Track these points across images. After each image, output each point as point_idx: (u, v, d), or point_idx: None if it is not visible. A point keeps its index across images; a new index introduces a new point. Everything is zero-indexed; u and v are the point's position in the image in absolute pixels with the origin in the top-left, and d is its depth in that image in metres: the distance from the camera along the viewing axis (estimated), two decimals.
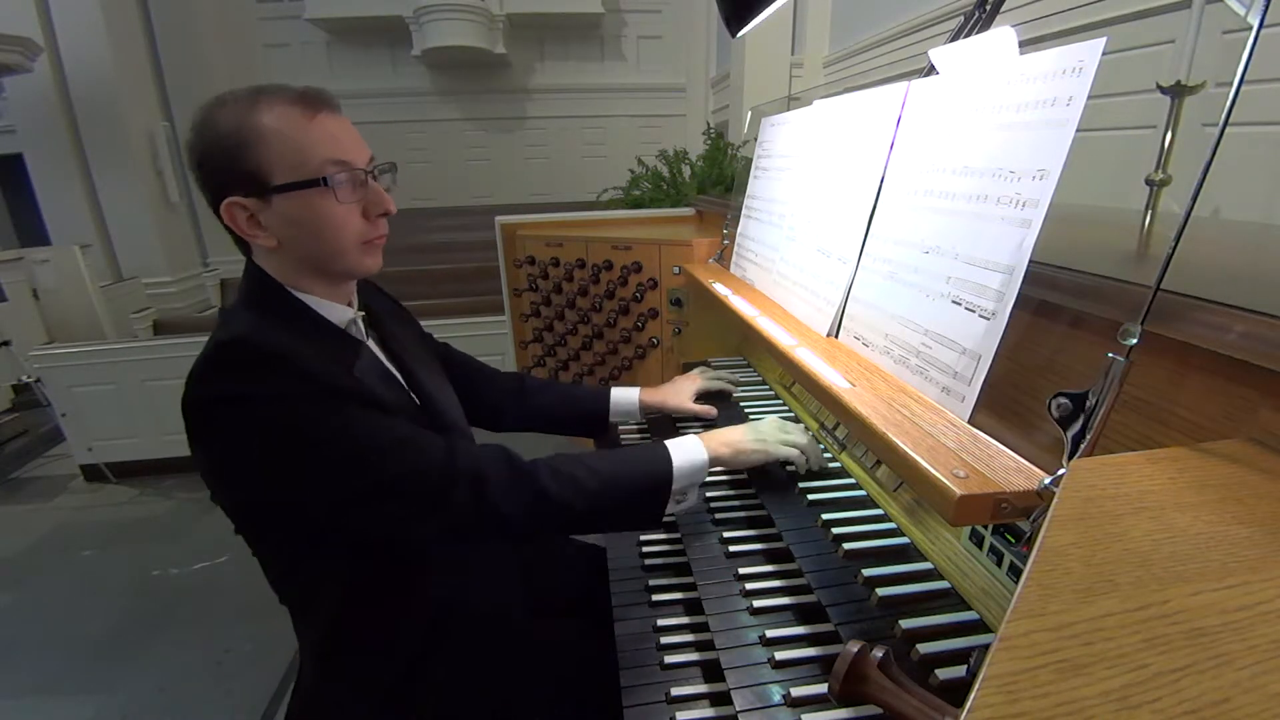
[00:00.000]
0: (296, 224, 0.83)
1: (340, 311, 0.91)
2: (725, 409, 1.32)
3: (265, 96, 0.81)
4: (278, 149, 0.80)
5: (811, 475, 1.03)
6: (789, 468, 1.04)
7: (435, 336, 1.25)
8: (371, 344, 0.96)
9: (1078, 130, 0.61)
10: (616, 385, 1.35)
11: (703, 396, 1.34)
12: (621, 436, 1.39)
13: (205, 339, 0.83)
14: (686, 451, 0.94)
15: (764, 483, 1.06)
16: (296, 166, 0.81)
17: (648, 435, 1.38)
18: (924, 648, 0.66)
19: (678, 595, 0.93)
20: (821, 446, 1.09)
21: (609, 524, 0.97)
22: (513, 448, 0.89)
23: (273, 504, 0.81)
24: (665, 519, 0.96)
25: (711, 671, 0.79)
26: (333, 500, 0.79)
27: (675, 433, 1.32)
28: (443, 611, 0.93)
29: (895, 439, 0.65)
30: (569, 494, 0.85)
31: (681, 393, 1.31)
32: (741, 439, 1.00)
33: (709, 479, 1.16)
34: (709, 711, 0.74)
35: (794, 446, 1.02)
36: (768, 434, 1.02)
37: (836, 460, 1.06)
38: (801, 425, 1.08)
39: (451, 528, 0.83)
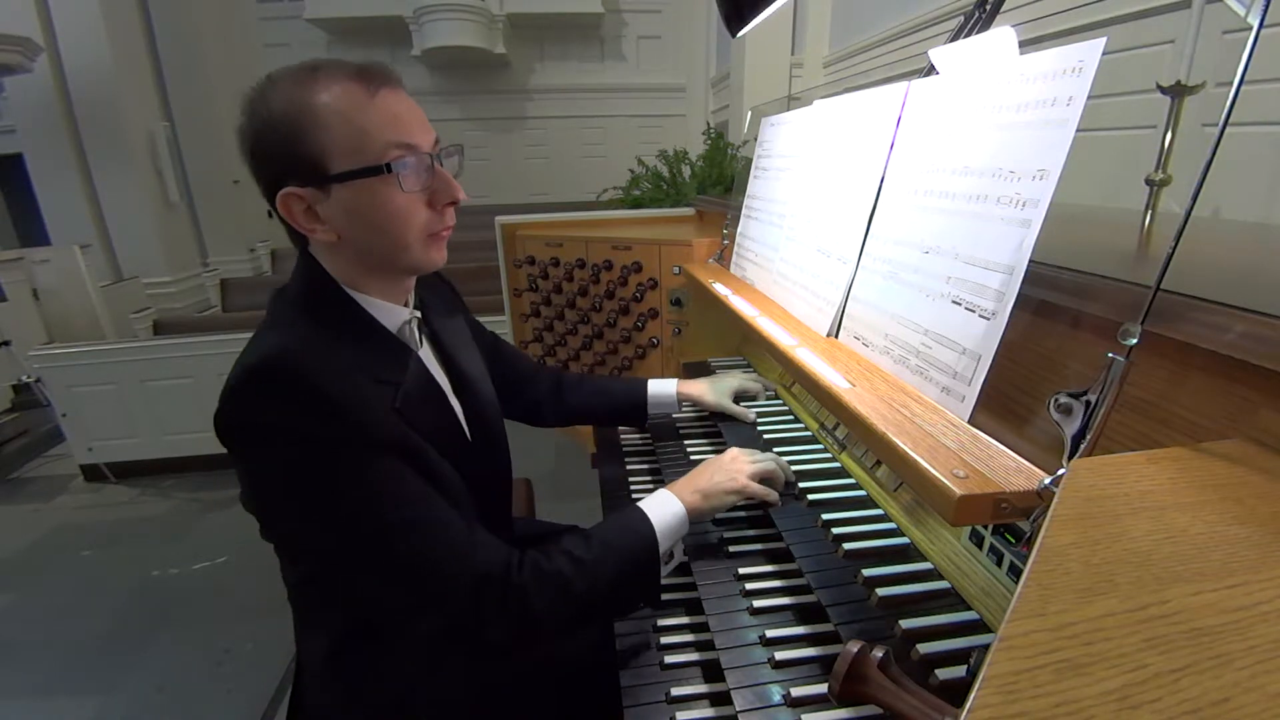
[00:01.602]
0: (357, 216, 0.76)
1: (395, 314, 0.86)
2: (733, 424, 1.26)
3: (322, 73, 0.74)
4: (336, 132, 0.72)
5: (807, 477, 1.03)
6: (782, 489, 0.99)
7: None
8: (424, 346, 0.92)
9: (1078, 130, 0.61)
10: None
11: (738, 395, 1.29)
12: (623, 445, 1.39)
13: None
14: (663, 511, 0.88)
15: (765, 482, 1.05)
16: (357, 151, 0.73)
17: (648, 441, 1.38)
18: (924, 648, 0.66)
19: (678, 595, 0.93)
20: (820, 446, 1.09)
21: (598, 619, 0.87)
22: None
23: (289, 538, 0.81)
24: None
25: (711, 671, 0.79)
26: (338, 561, 0.76)
27: (677, 438, 1.32)
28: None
29: (895, 439, 0.65)
30: (553, 604, 0.77)
31: (721, 390, 1.26)
32: (710, 481, 0.93)
33: None
34: (709, 711, 0.74)
35: (765, 478, 0.96)
36: (736, 468, 0.95)
37: (835, 458, 1.06)
38: (764, 453, 1.02)
39: (443, 631, 0.77)
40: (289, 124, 0.72)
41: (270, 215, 0.81)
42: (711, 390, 1.27)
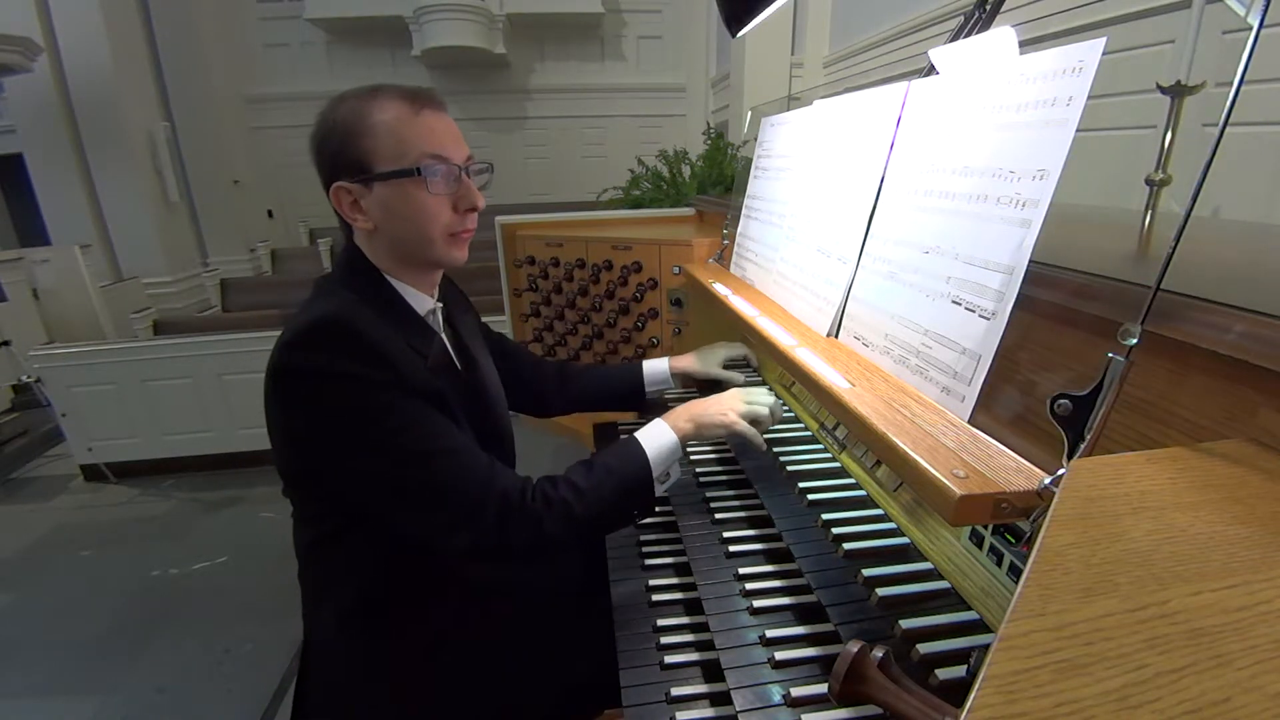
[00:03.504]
0: (391, 210, 0.89)
1: (423, 301, 0.97)
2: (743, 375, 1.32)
3: (380, 93, 0.88)
4: (382, 139, 0.86)
5: (783, 443, 1.03)
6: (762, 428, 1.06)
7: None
8: (444, 335, 1.01)
9: (1078, 130, 0.61)
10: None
11: (729, 362, 1.36)
12: (621, 433, 1.39)
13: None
14: (656, 438, 0.98)
15: (765, 483, 1.06)
16: (397, 156, 0.87)
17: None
18: (924, 648, 0.65)
19: (678, 595, 0.93)
20: (820, 446, 1.09)
21: (606, 532, 1.03)
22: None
23: (331, 476, 0.86)
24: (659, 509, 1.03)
25: (711, 671, 0.79)
26: (380, 487, 0.84)
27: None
28: (465, 598, 0.97)
29: (895, 439, 0.65)
30: (561, 527, 0.88)
31: (709, 360, 1.34)
32: (703, 412, 1.03)
33: (709, 479, 1.16)
34: (709, 711, 0.74)
35: (755, 419, 1.04)
36: (729, 405, 1.04)
37: (835, 458, 1.05)
38: (765, 388, 1.11)
39: (473, 547, 0.86)
40: (346, 130, 0.87)
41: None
42: (700, 361, 1.34)
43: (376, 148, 0.86)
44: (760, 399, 1.06)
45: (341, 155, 0.87)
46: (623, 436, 1.01)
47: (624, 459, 0.96)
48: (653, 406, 1.37)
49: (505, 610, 1.00)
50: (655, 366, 1.36)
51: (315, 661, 0.98)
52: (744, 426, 1.03)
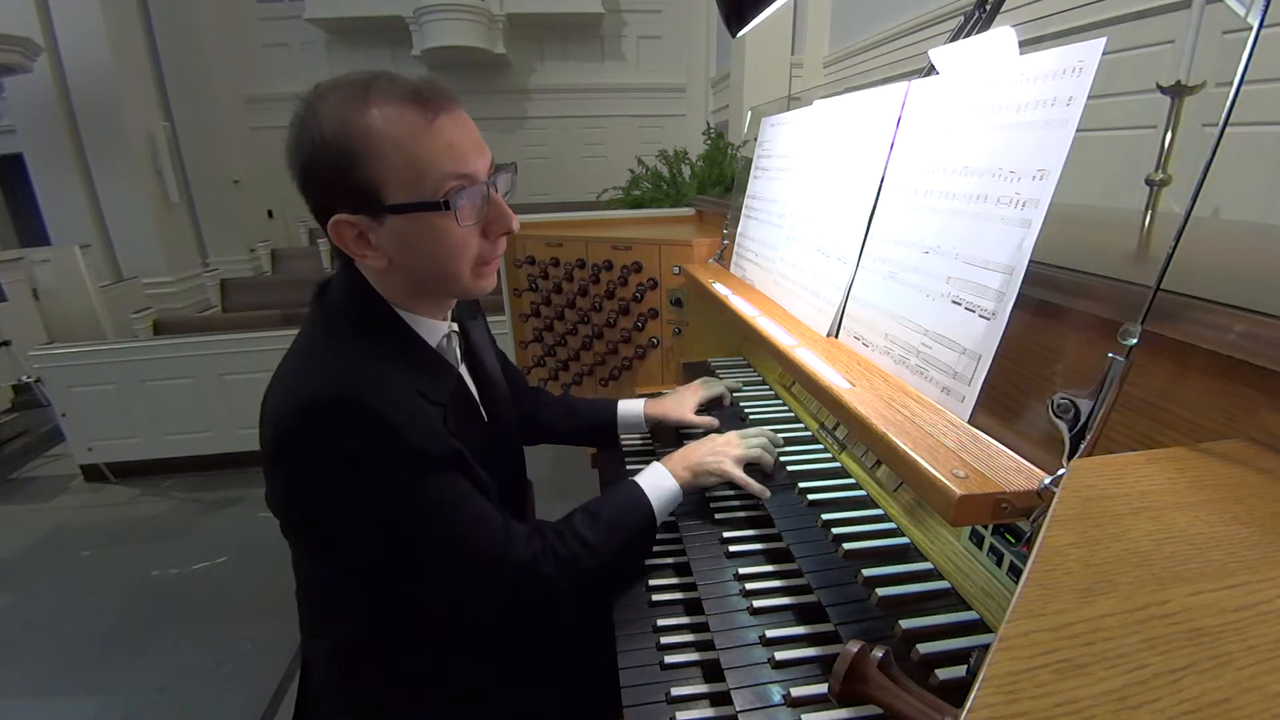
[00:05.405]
0: (409, 245, 0.76)
1: (435, 329, 0.87)
2: (723, 413, 1.32)
3: (376, 94, 0.71)
4: (393, 162, 0.71)
5: (809, 475, 1.03)
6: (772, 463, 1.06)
7: None
8: (461, 366, 0.95)
9: (1078, 130, 0.61)
10: (615, 384, 1.35)
11: (704, 404, 1.33)
12: (623, 445, 1.39)
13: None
14: (659, 487, 0.97)
15: (765, 483, 1.06)
16: (414, 184, 0.72)
17: (649, 443, 1.37)
18: (924, 648, 0.65)
19: (678, 595, 0.93)
20: (820, 446, 1.09)
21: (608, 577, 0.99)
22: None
23: (343, 542, 0.81)
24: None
25: (711, 671, 0.79)
26: (396, 556, 0.79)
27: (679, 442, 1.32)
28: (466, 624, 0.94)
29: (895, 439, 0.65)
30: (570, 583, 0.87)
31: (684, 405, 1.30)
32: (699, 462, 1.01)
33: None
34: (709, 711, 0.74)
35: (749, 461, 1.03)
36: (726, 452, 1.02)
37: (835, 458, 1.05)
38: (757, 430, 1.10)
39: (488, 609, 0.85)
40: (343, 148, 0.70)
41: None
42: (676, 407, 1.29)
43: (384, 173, 0.71)
44: (755, 441, 1.05)
45: (340, 183, 0.71)
46: (630, 478, 1.00)
47: (629, 510, 0.94)
48: (678, 439, 1.34)
49: (506, 624, 0.98)
50: (630, 408, 1.31)
51: (312, 683, 0.97)
52: (738, 474, 1.01)
